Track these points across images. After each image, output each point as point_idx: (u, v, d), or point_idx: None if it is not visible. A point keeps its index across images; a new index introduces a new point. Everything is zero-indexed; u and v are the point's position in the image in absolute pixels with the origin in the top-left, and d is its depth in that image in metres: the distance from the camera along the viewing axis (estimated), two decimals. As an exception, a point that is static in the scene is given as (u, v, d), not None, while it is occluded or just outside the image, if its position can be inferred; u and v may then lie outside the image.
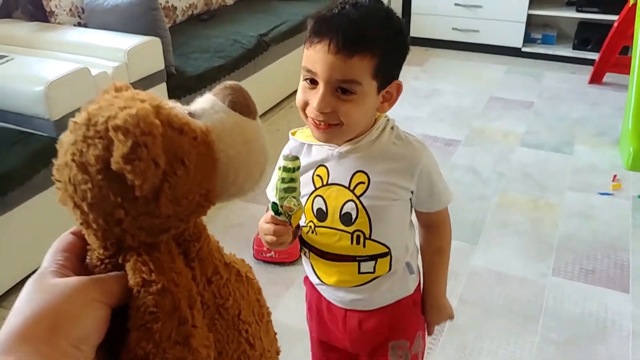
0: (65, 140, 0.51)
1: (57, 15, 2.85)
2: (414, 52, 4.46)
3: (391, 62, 1.01)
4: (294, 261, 2.30)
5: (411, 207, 1.15)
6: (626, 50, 3.92)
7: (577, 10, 4.39)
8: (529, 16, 4.48)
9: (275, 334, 0.68)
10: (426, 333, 1.29)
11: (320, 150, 1.10)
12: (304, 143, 1.12)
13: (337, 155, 1.07)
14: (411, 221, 1.19)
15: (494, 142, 3.28)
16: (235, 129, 0.58)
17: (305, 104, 1.01)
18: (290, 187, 0.94)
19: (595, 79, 4.08)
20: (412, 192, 1.10)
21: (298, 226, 1.10)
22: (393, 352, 1.21)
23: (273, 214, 0.98)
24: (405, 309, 1.20)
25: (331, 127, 1.01)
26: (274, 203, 0.97)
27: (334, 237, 1.09)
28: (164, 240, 0.55)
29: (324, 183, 1.08)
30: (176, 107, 0.55)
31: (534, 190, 2.83)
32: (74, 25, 2.93)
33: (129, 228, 0.51)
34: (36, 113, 2.14)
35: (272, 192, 0.99)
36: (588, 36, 4.41)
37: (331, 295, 1.18)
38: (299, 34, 3.69)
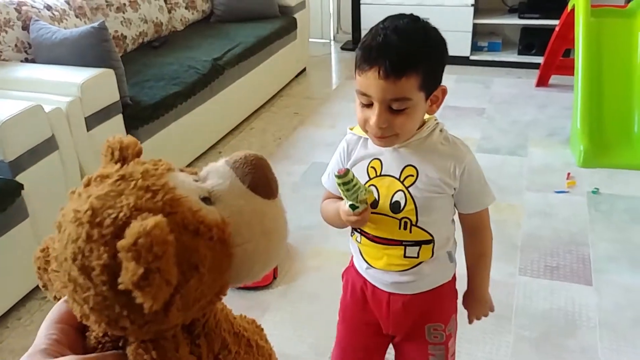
0: (66, 228, 0.47)
1: (1, 52, 2.79)
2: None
3: (434, 73, 1.14)
4: (267, 285, 2.29)
5: (454, 205, 1.25)
6: (568, 52, 4.08)
7: (520, 17, 4.55)
8: (475, 25, 4.62)
9: None
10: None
11: (376, 145, 1.21)
12: (361, 137, 1.24)
13: (391, 150, 1.20)
14: (453, 218, 1.28)
15: (451, 150, 3.34)
16: (254, 219, 0.53)
17: (365, 122, 1.13)
18: (355, 189, 1.09)
19: (542, 82, 4.22)
20: (454, 189, 1.21)
21: (373, 201, 1.20)
22: (429, 333, 1.33)
23: (351, 211, 1.13)
24: (443, 294, 1.32)
25: (389, 137, 1.14)
26: (351, 204, 1.12)
27: (384, 222, 1.20)
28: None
29: (378, 174, 1.21)
30: (189, 195, 0.50)
31: (495, 193, 2.87)
32: (21, 61, 2.87)
33: (133, 333, 0.48)
34: (-10, 155, 2.09)
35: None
36: (531, 41, 4.57)
37: (377, 279, 1.29)
38: (253, 56, 3.72)
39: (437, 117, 1.25)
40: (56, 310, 0.53)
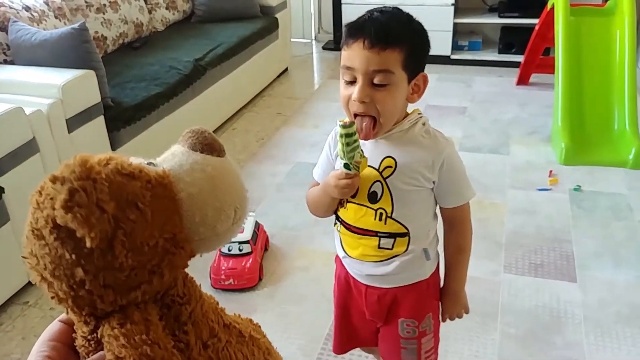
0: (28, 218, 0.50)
1: (-20, 54, 2.76)
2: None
3: (417, 56, 1.16)
4: (254, 286, 2.28)
5: (435, 199, 1.27)
6: (548, 51, 4.12)
7: (500, 16, 4.58)
8: (455, 25, 4.65)
9: None
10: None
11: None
12: None
13: (372, 141, 1.20)
14: (435, 212, 1.30)
15: (434, 149, 3.35)
16: (194, 167, 0.55)
17: (348, 99, 1.15)
18: (354, 146, 1.10)
19: (522, 81, 4.25)
20: (433, 183, 1.22)
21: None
22: (402, 327, 1.35)
23: (346, 171, 1.14)
24: (419, 291, 1.33)
25: (369, 119, 1.14)
26: (345, 163, 1.12)
27: (361, 212, 1.22)
28: (139, 301, 0.51)
29: None
30: (132, 159, 0.54)
31: (478, 191, 2.85)
32: (0, 63, 2.83)
33: (94, 288, 0.49)
34: (-29, 156, 2.06)
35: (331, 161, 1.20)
36: (512, 40, 4.61)
37: (354, 269, 1.32)
38: (235, 56, 3.70)
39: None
40: (49, 329, 0.55)
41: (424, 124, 1.23)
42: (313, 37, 5.73)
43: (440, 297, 1.39)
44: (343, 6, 4.84)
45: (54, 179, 0.46)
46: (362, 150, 1.13)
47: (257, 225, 2.43)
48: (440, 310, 1.41)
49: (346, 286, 1.38)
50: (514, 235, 2.56)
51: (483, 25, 4.91)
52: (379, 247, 1.24)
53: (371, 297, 1.32)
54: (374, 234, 1.23)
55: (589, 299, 2.17)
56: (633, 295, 2.18)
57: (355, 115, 1.15)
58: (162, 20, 4.00)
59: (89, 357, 0.53)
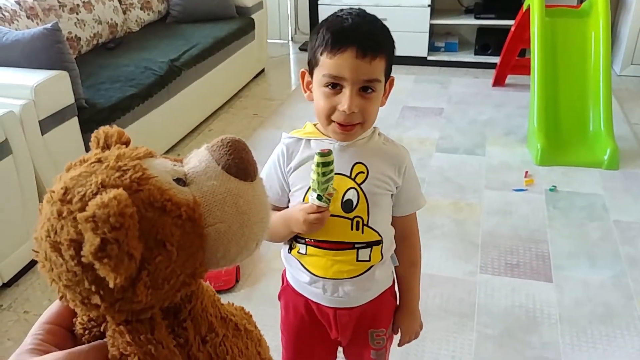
0: (43, 208, 0.48)
1: (-49, 54, 2.69)
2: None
3: (391, 61, 1.15)
4: (230, 288, 2.26)
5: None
6: (524, 52, 4.15)
7: (476, 17, 4.61)
8: (432, 26, 4.67)
9: None
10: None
11: (320, 144, 1.18)
12: (301, 139, 1.21)
13: (338, 148, 1.17)
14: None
15: (411, 150, 3.31)
16: (227, 199, 0.52)
17: (332, 110, 1.11)
18: (330, 176, 1.06)
19: (498, 82, 4.28)
20: (396, 188, 1.21)
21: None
22: (372, 338, 1.32)
23: (317, 203, 1.08)
24: (385, 299, 1.30)
25: (355, 126, 1.12)
26: (318, 195, 1.07)
27: (335, 224, 1.16)
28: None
29: None
30: (160, 176, 0.50)
31: (454, 192, 2.93)
32: (-29, 63, 2.77)
33: (107, 312, 0.48)
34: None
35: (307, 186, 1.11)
36: (487, 41, 4.64)
37: (319, 296, 1.24)
38: (210, 57, 3.68)
39: (398, 117, 1.25)
40: (48, 310, 0.54)
41: (379, 134, 1.23)
42: (290, 38, 5.72)
43: (398, 317, 1.35)
44: (320, 7, 4.83)
45: (85, 220, 0.43)
46: (333, 186, 1.09)
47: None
48: (399, 332, 1.37)
49: (307, 314, 1.30)
50: (490, 236, 2.57)
51: (459, 27, 4.94)
52: (358, 260, 1.19)
53: (343, 319, 1.27)
54: (351, 246, 1.18)
55: (564, 298, 2.18)
56: (608, 295, 2.20)
57: (340, 125, 1.12)
58: (136, 20, 3.96)
59: (87, 343, 0.52)
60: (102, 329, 0.51)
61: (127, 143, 0.55)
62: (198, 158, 0.55)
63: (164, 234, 0.47)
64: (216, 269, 0.54)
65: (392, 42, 1.15)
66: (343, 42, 1.07)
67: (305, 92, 1.20)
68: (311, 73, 1.15)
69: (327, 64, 1.09)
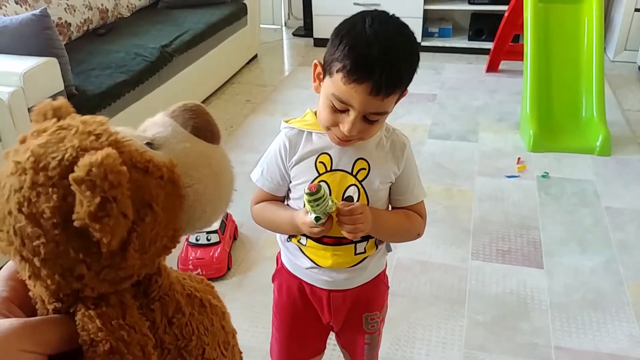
0: (4, 182, 0.45)
1: (-62, 41, 2.66)
2: (319, 53, 4.51)
3: (409, 84, 1.09)
4: (222, 275, 2.26)
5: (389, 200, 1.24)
6: (517, 38, 4.13)
7: (470, 3, 4.60)
8: (425, 11, 4.64)
9: (241, 353, 0.64)
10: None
11: (321, 138, 1.17)
12: (304, 130, 1.18)
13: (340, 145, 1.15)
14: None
15: (404, 136, 3.36)
16: (201, 160, 0.53)
17: (333, 124, 1.09)
18: (324, 203, 1.03)
19: (492, 68, 4.27)
20: (395, 178, 1.20)
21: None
22: (366, 322, 1.34)
23: (317, 224, 1.06)
24: (379, 282, 1.33)
25: (354, 140, 1.11)
26: (317, 217, 1.05)
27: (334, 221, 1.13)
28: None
29: (328, 169, 1.17)
30: (133, 139, 0.50)
31: (446, 179, 2.93)
32: (-42, 50, 2.74)
33: (90, 282, 0.47)
34: None
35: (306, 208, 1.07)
36: (481, 27, 4.63)
37: (316, 279, 1.26)
38: (202, 43, 3.65)
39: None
40: (7, 267, 0.51)
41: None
42: (283, 24, 5.68)
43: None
44: (313, -8, 4.80)
45: (80, 181, 0.41)
46: (333, 201, 1.07)
47: (226, 215, 2.41)
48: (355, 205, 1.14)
49: (299, 295, 1.32)
50: (481, 222, 2.58)
51: (453, 12, 4.91)
52: (356, 254, 1.22)
53: (336, 301, 1.29)
54: (350, 241, 1.19)
55: (555, 285, 2.19)
56: (598, 281, 2.21)
57: (338, 139, 1.10)
58: (127, 6, 3.92)
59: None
60: (71, 310, 0.49)
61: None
62: (158, 125, 0.54)
63: (150, 195, 0.47)
64: (192, 231, 0.55)
65: (415, 67, 1.07)
66: (361, 74, 1.00)
67: (315, 81, 1.14)
68: (323, 72, 1.10)
69: (339, 86, 1.03)
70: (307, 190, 1.02)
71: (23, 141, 0.48)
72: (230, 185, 0.56)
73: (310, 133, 1.18)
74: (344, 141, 1.11)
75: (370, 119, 1.06)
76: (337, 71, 1.03)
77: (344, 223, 1.09)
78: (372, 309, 1.33)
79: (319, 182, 1.15)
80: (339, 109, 1.06)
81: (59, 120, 0.50)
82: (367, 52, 1.00)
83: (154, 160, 0.48)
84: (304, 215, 1.10)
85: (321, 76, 1.11)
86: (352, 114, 1.04)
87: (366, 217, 1.11)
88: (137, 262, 0.48)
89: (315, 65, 1.13)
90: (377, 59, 1.00)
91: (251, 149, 3.21)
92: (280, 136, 1.21)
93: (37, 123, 0.50)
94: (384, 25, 1.04)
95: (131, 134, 0.52)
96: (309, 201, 1.03)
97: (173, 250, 0.53)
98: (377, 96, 1.01)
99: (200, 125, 0.54)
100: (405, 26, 1.07)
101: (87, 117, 0.50)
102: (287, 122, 1.21)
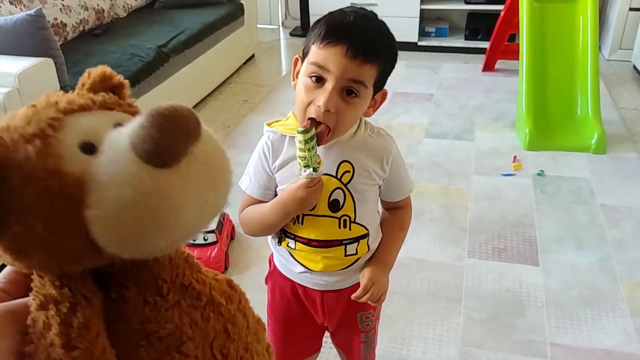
0: None
1: None
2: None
3: (386, 74, 1.11)
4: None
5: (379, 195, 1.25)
6: (513, 37, 4.15)
7: (466, 2, 4.61)
8: (422, 11, 4.66)
9: None
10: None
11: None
12: (286, 135, 1.16)
13: (322, 148, 1.12)
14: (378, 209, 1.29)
15: (401, 136, 3.36)
16: (124, 190, 0.43)
17: (309, 104, 1.06)
18: (315, 149, 1.04)
19: (488, 67, 4.29)
20: (383, 180, 1.21)
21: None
22: (361, 321, 1.34)
23: (315, 175, 1.06)
24: None
25: (324, 137, 1.07)
26: (314, 167, 1.05)
27: (322, 224, 1.16)
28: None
29: None
30: (67, 137, 0.45)
31: (443, 177, 2.93)
32: (-47, 51, 2.74)
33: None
34: None
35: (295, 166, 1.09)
36: (478, 27, 4.64)
37: (309, 281, 1.26)
38: (199, 43, 3.65)
39: (388, 103, 1.23)
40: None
41: (365, 124, 1.19)
42: (280, 23, 5.69)
43: (368, 265, 1.22)
44: (309, -8, 4.81)
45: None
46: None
47: (223, 215, 2.41)
48: (364, 278, 1.19)
49: (293, 297, 1.31)
50: (478, 221, 2.58)
51: (450, 12, 4.92)
52: (346, 255, 1.21)
53: (330, 301, 1.28)
54: (339, 243, 1.19)
55: (551, 282, 2.20)
56: (594, 278, 2.22)
57: (310, 119, 1.06)
58: (124, 6, 3.92)
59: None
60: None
61: (119, 86, 0.56)
62: (131, 125, 0.46)
63: (27, 204, 0.43)
64: (143, 257, 0.48)
65: (393, 53, 1.10)
66: (336, 36, 1.02)
67: (294, 80, 1.14)
68: (302, 59, 1.11)
69: (315, 52, 1.05)
70: (300, 129, 1.02)
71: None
72: (156, 221, 0.44)
73: (292, 137, 1.14)
74: (320, 123, 1.05)
75: (347, 93, 1.04)
76: (313, 44, 1.06)
77: (368, 302, 1.17)
78: (367, 308, 1.32)
79: None
80: (315, 78, 1.04)
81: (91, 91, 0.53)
82: (342, 20, 1.05)
83: (59, 171, 0.44)
84: (294, 184, 1.10)
85: (300, 68, 1.11)
86: (329, 83, 1.03)
87: (378, 281, 1.18)
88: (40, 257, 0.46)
89: (296, 60, 1.14)
90: (352, 25, 1.04)
91: (249, 149, 3.16)
92: (263, 139, 1.20)
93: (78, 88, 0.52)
94: (357, 9, 1.09)
95: (88, 127, 0.47)
96: (305, 140, 1.02)
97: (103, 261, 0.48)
98: (353, 59, 1.01)
99: (144, 144, 0.43)
100: (384, 22, 1.11)
101: (71, 96, 0.50)
102: (269, 125, 1.20)
